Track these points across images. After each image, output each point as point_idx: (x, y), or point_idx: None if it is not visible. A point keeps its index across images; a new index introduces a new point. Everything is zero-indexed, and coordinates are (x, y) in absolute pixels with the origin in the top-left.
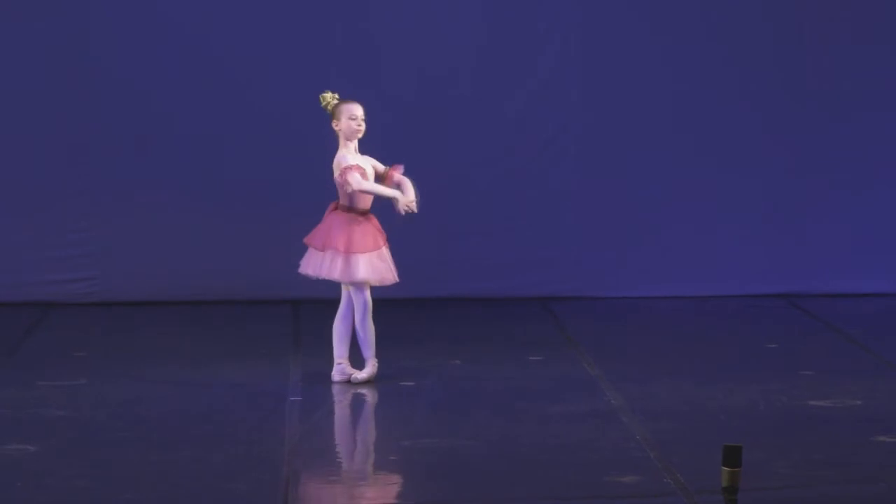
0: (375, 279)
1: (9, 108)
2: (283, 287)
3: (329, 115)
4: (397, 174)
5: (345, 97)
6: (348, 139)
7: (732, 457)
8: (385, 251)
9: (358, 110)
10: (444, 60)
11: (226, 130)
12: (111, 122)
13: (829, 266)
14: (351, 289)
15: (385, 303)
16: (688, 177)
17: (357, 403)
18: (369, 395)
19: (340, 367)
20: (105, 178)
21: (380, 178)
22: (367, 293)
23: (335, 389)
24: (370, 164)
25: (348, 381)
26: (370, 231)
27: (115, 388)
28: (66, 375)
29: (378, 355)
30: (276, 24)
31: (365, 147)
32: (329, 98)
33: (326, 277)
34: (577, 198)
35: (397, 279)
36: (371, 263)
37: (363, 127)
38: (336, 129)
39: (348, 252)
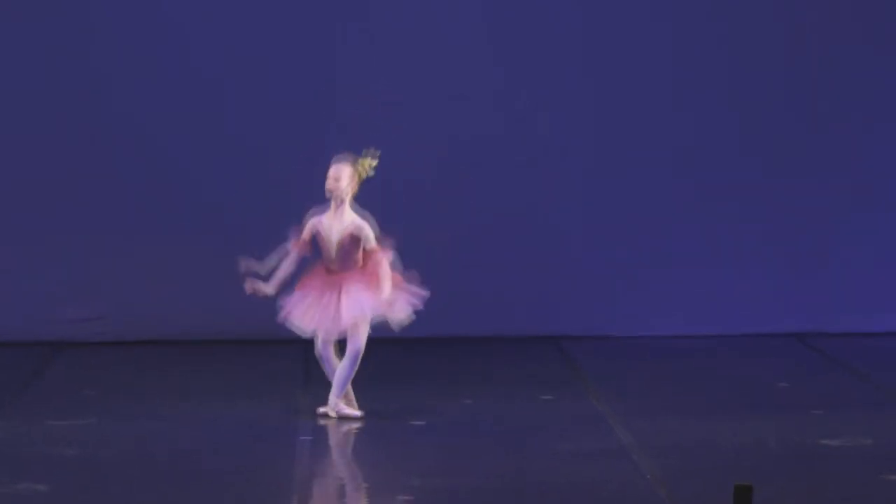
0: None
1: (20, 148)
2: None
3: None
4: (375, 257)
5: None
6: (330, 199)
7: (743, 496)
8: (328, 298)
9: (331, 169)
10: (465, 104)
11: (236, 173)
12: (122, 162)
13: (839, 305)
14: None
15: (395, 341)
16: (699, 216)
17: (367, 442)
18: (379, 434)
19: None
20: (115, 218)
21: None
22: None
23: (345, 428)
24: (347, 230)
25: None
26: (316, 279)
27: (125, 426)
28: (77, 414)
29: (388, 393)
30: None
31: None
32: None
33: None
34: (587, 237)
35: (335, 330)
36: (301, 311)
37: (335, 184)
38: None
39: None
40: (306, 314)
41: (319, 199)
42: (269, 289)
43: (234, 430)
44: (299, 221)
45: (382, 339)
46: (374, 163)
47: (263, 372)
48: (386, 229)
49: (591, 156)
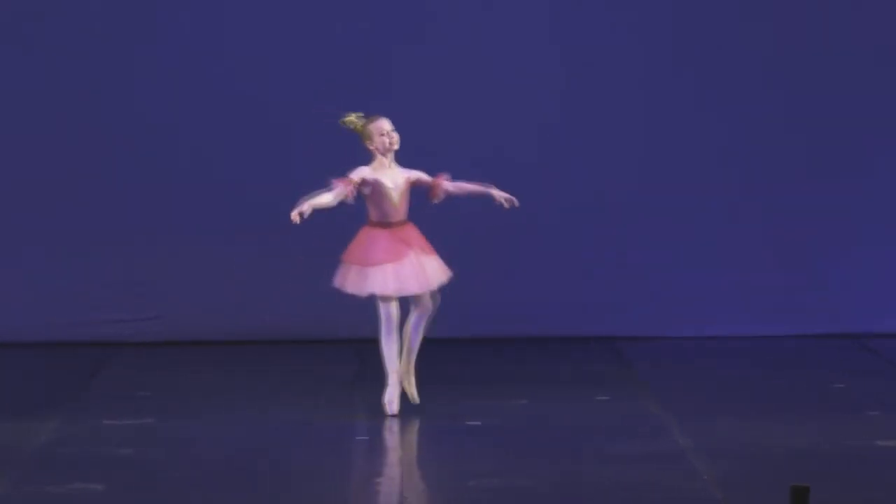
0: (391, 290)
1: (73, 150)
2: (347, 327)
3: (359, 137)
4: (444, 184)
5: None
6: (384, 155)
7: (800, 498)
8: (410, 261)
9: (386, 124)
10: (510, 108)
11: (290, 174)
12: (178, 163)
13: None
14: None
15: (450, 342)
16: (754, 219)
17: (422, 443)
18: (435, 434)
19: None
20: (171, 219)
21: (428, 189)
22: (389, 307)
23: (400, 428)
24: (404, 178)
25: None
26: (384, 242)
27: (179, 427)
28: (132, 415)
29: (443, 393)
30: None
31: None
32: (354, 120)
33: (345, 289)
34: (643, 237)
35: (426, 288)
36: (384, 275)
37: (396, 138)
38: (371, 148)
39: (362, 265)
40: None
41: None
42: (304, 206)
43: (289, 430)
44: (348, 217)
45: (438, 340)
46: (351, 116)
47: (317, 372)
48: (439, 230)
49: (640, 157)
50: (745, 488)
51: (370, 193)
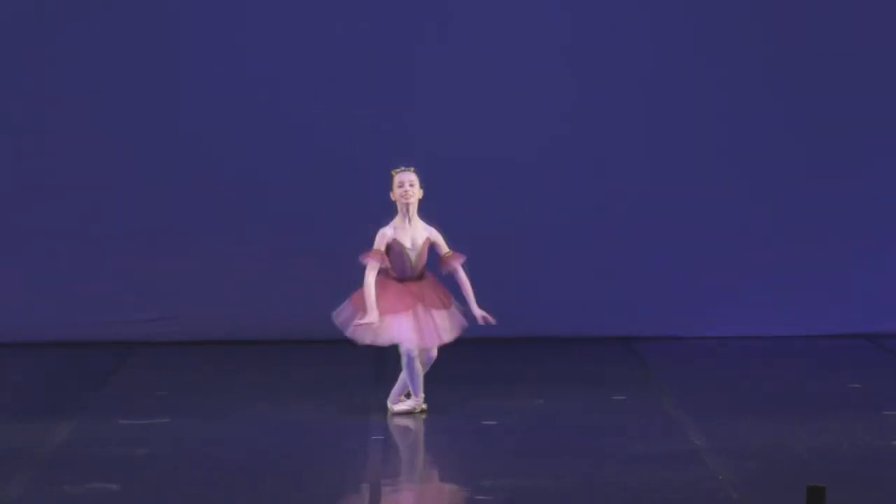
0: (383, 342)
1: (94, 149)
2: None
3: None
4: (454, 264)
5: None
6: (402, 209)
7: (816, 498)
8: (423, 312)
9: (405, 177)
10: (530, 106)
11: (306, 176)
12: (194, 164)
13: None
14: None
15: (467, 342)
16: (770, 218)
17: (439, 442)
18: (451, 434)
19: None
20: (187, 219)
21: (437, 259)
22: (408, 349)
23: (416, 428)
24: (424, 237)
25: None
26: (391, 292)
27: (196, 427)
28: (149, 414)
29: (460, 392)
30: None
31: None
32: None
33: (344, 331)
34: (659, 237)
35: (439, 342)
36: (400, 324)
37: (410, 192)
38: (392, 198)
39: (381, 313)
40: (407, 329)
41: (387, 201)
42: (372, 316)
43: (306, 429)
44: (369, 224)
45: (455, 340)
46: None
47: (334, 371)
48: (456, 230)
49: (659, 159)
50: (761, 488)
51: (390, 252)
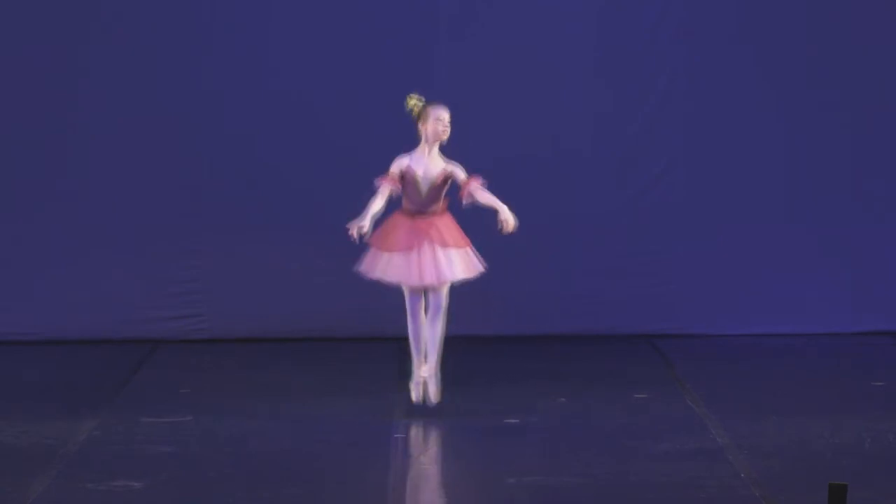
0: (391, 278)
1: (120, 149)
2: (389, 324)
3: (414, 119)
4: (469, 188)
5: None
6: (431, 142)
7: (838, 495)
8: (421, 252)
9: (445, 113)
10: (555, 103)
11: (333, 171)
12: (221, 162)
13: None
14: None
15: (489, 339)
16: (795, 215)
17: (461, 440)
18: (473, 432)
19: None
20: (213, 217)
21: (458, 188)
22: (409, 294)
23: (438, 426)
24: (440, 170)
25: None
26: (402, 231)
27: (220, 424)
28: (173, 412)
29: (482, 391)
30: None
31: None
32: (416, 101)
33: (360, 267)
34: (684, 235)
35: (434, 281)
36: (390, 263)
37: (448, 130)
38: (422, 129)
39: (377, 249)
40: (394, 267)
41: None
42: (363, 221)
43: (329, 428)
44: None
45: (476, 338)
46: (413, 97)
47: (358, 370)
48: (477, 228)
49: (683, 155)
50: (785, 486)
51: (403, 180)
